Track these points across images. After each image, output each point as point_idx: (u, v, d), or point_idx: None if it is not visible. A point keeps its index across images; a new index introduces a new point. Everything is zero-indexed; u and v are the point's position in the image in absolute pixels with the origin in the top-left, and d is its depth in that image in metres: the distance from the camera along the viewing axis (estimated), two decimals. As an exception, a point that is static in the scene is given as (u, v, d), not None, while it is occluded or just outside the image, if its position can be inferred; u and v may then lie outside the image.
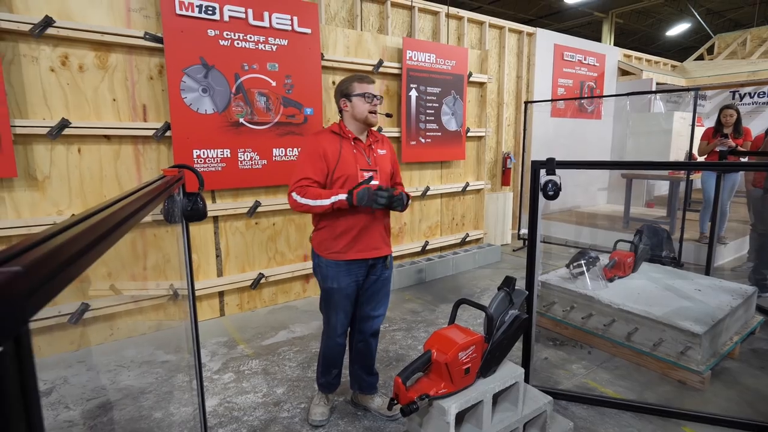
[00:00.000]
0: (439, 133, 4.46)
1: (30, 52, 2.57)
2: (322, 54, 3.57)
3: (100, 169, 2.85)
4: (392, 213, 2.11)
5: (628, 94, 5.67)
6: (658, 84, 6.86)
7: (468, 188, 4.87)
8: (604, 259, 3.30)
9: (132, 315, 3.02)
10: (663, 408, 2.20)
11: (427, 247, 4.57)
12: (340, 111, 1.99)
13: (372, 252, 1.97)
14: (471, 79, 4.68)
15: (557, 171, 2.06)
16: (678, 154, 5.60)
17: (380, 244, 2.00)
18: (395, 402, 1.70)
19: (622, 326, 2.74)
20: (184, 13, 2.91)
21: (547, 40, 6.09)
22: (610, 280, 3.16)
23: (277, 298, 3.68)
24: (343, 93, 1.95)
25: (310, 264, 3.72)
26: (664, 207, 6.13)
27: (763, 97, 7.67)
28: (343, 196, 1.82)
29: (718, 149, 4.30)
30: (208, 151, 3.13)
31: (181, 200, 1.47)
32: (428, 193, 4.52)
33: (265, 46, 3.27)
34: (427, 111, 4.34)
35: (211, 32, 3.04)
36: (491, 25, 5.54)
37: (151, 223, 2.99)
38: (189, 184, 1.50)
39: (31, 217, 2.67)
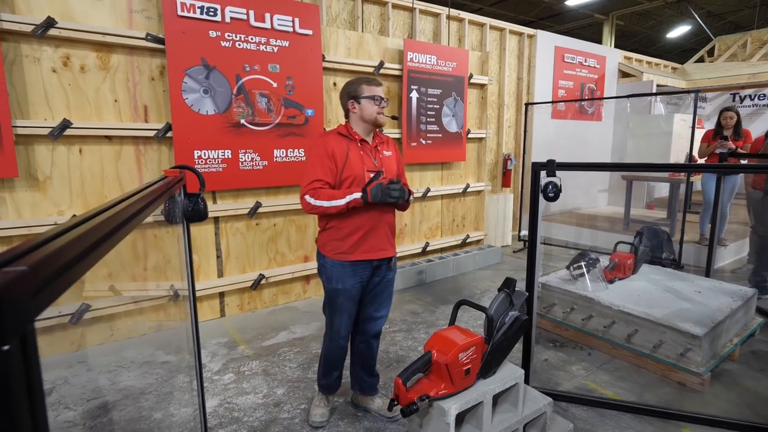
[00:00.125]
0: (440, 135, 4.47)
1: (32, 53, 2.58)
2: (323, 55, 3.57)
3: (101, 170, 2.86)
4: (396, 213, 2.12)
5: (628, 96, 5.67)
6: (658, 86, 6.87)
7: (468, 189, 4.87)
8: (605, 261, 3.30)
9: (132, 315, 3.02)
10: (663, 410, 2.20)
11: (428, 249, 4.57)
12: (347, 113, 1.99)
13: (378, 253, 1.98)
14: (472, 80, 4.69)
15: (557, 172, 2.06)
16: (678, 156, 5.61)
17: (386, 246, 2.00)
18: (395, 403, 1.70)
19: (622, 328, 2.74)
20: (185, 14, 2.92)
21: (547, 41, 6.10)
22: (611, 281, 3.16)
23: (277, 299, 3.68)
24: (351, 95, 1.96)
25: (310, 265, 3.76)
26: (665, 209, 6.14)
27: (764, 99, 7.68)
28: (357, 195, 1.82)
29: (718, 151, 4.30)
30: (209, 151, 3.14)
31: (182, 201, 1.47)
32: (429, 194, 4.52)
33: (266, 48, 3.28)
34: (428, 112, 4.35)
35: (212, 33, 3.04)
36: (492, 27, 5.55)
37: (151, 223, 3.00)
38: (190, 184, 1.51)
39: (32, 218, 2.67)
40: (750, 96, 7.83)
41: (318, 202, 1.85)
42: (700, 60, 9.03)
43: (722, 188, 3.73)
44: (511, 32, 5.76)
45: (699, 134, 4.85)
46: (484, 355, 1.76)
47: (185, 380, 2.53)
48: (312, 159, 1.92)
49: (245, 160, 3.29)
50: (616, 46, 11.64)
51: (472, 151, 4.93)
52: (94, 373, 2.58)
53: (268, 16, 3.25)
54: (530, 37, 5.98)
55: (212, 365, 2.68)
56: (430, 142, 4.41)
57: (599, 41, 12.47)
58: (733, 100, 8.00)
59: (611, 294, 2.95)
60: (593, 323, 2.89)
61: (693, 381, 2.42)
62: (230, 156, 3.22)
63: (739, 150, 4.33)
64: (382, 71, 3.98)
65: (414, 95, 4.22)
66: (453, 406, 1.65)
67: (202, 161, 3.11)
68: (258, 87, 3.28)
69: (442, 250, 4.79)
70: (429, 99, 4.33)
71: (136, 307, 3.02)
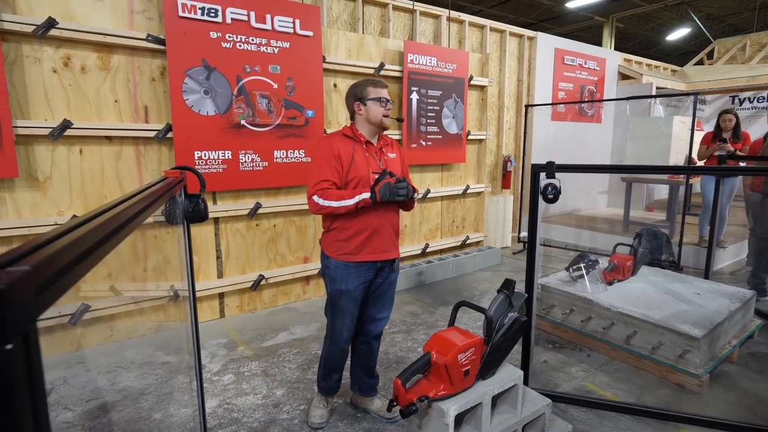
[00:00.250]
0: (440, 136, 4.48)
1: (33, 53, 2.59)
2: (323, 56, 3.58)
3: (102, 170, 2.86)
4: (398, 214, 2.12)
5: (628, 98, 5.68)
6: (658, 88, 6.88)
7: (468, 191, 4.88)
8: (604, 263, 3.31)
9: (132, 316, 3.02)
10: (661, 411, 2.20)
11: (428, 250, 4.58)
12: (353, 114, 2.00)
13: (382, 254, 1.98)
14: (472, 82, 4.70)
15: (557, 174, 2.07)
16: (678, 159, 5.62)
17: (390, 247, 2.01)
18: (395, 404, 1.70)
19: (621, 329, 2.74)
20: (186, 15, 2.92)
21: (547, 44, 6.11)
22: (610, 283, 3.17)
23: (277, 300, 3.68)
24: (357, 97, 1.97)
25: (310, 266, 3.76)
26: (664, 211, 6.14)
27: (762, 101, 7.69)
28: (366, 195, 1.83)
29: (717, 154, 4.31)
30: (210, 152, 3.14)
31: (183, 201, 1.47)
32: (429, 195, 4.53)
33: (266, 49, 3.28)
34: (428, 114, 4.36)
35: (213, 34, 3.05)
36: (492, 29, 5.56)
37: (152, 224, 3.00)
38: (190, 185, 1.51)
39: (32, 218, 2.67)
40: (749, 98, 7.85)
41: (326, 203, 1.85)
42: (700, 62, 9.05)
43: (721, 190, 3.74)
44: (512, 34, 5.77)
45: (698, 136, 4.87)
46: (483, 356, 1.76)
47: (185, 381, 2.53)
48: (318, 160, 1.92)
49: (245, 161, 3.30)
50: (615, 49, 11.67)
51: (472, 153, 4.94)
52: (93, 374, 2.58)
53: (268, 17, 3.26)
54: (530, 39, 5.99)
55: (212, 366, 2.68)
56: (430, 143, 4.41)
57: (599, 43, 12.49)
58: (732, 103, 8.02)
59: (610, 296, 2.95)
60: (592, 325, 2.90)
61: (692, 382, 2.42)
62: (230, 157, 3.23)
63: (738, 152, 4.34)
64: (382, 73, 3.99)
65: (414, 97, 4.23)
66: (452, 407, 1.65)
67: (202, 162, 3.11)
68: (258, 88, 3.29)
69: (441, 251, 4.79)
70: (429, 100, 4.34)
71: (136, 307, 3.02)
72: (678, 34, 14.22)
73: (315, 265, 3.77)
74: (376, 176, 1.91)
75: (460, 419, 1.75)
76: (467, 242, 4.96)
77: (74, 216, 2.75)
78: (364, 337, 2.15)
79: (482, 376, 1.80)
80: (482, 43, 5.49)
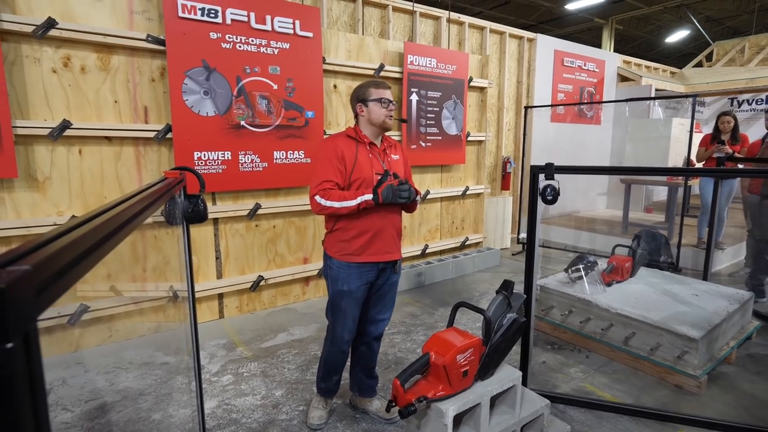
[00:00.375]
0: (440, 137, 4.48)
1: (32, 53, 2.59)
2: (323, 58, 3.59)
3: (101, 171, 2.86)
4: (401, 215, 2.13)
5: (627, 100, 5.69)
6: (657, 90, 6.90)
7: (468, 192, 4.88)
8: (603, 264, 3.31)
9: (131, 316, 3.02)
10: (660, 412, 2.21)
11: (427, 251, 4.58)
12: (356, 116, 2.01)
13: (384, 256, 1.98)
14: (471, 83, 4.70)
15: (556, 176, 2.08)
16: (676, 160, 5.63)
17: (393, 248, 2.01)
18: (393, 404, 1.70)
19: (619, 330, 2.75)
20: (186, 15, 2.93)
21: (547, 45, 6.12)
22: (608, 284, 3.17)
23: (276, 301, 3.68)
24: (359, 98, 1.97)
25: (309, 267, 3.76)
26: (663, 212, 6.15)
27: (761, 104, 7.72)
28: (369, 197, 1.83)
29: (715, 155, 4.32)
30: (209, 153, 3.14)
31: (182, 202, 1.48)
32: (428, 196, 4.53)
33: (266, 50, 3.29)
34: (428, 115, 4.37)
35: (213, 35, 3.05)
36: (492, 31, 5.57)
37: (151, 224, 3.00)
38: (190, 186, 1.51)
39: (31, 218, 2.67)
40: (748, 101, 7.87)
41: (328, 203, 1.85)
42: (699, 65, 9.07)
43: (719, 192, 3.75)
44: (511, 36, 5.78)
45: (697, 138, 4.87)
46: (482, 357, 1.77)
47: (184, 381, 2.53)
48: (321, 160, 1.92)
49: (245, 162, 3.30)
50: (615, 51, 11.70)
51: (471, 154, 4.95)
52: (92, 374, 2.58)
53: (268, 18, 3.26)
54: (530, 40, 6.00)
55: (211, 366, 2.68)
56: (429, 144, 4.42)
57: (599, 45, 12.52)
58: (731, 105, 8.04)
59: (609, 297, 2.95)
60: (591, 326, 2.90)
61: (690, 383, 2.43)
62: (230, 157, 3.23)
63: (737, 154, 4.35)
64: (382, 74, 4.00)
65: (414, 98, 4.24)
66: (451, 408, 1.66)
67: (201, 162, 3.12)
68: (258, 89, 3.29)
69: (441, 252, 4.79)
70: (429, 102, 4.35)
71: (135, 308, 3.02)
72: (677, 36, 14.25)
73: (314, 266, 3.78)
74: (379, 176, 1.91)
75: (458, 420, 1.76)
76: (466, 243, 4.97)
77: (73, 216, 2.75)
78: (365, 338, 2.14)
79: (481, 376, 1.80)
80: (482, 45, 5.50)
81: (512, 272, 4.68)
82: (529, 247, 2.26)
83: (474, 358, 1.73)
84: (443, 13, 5.04)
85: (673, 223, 5.23)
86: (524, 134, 5.57)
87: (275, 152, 3.43)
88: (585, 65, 6.59)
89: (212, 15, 3.03)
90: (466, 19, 5.27)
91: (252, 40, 3.21)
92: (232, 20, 3.11)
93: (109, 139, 2.86)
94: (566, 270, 3.31)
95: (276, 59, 3.34)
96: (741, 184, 4.09)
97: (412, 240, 4.56)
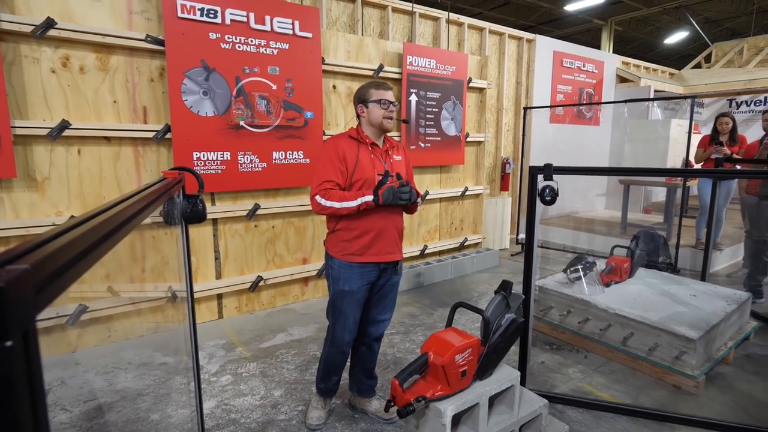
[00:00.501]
0: (439, 138, 4.49)
1: (31, 53, 2.59)
2: (322, 58, 3.59)
3: (100, 171, 2.86)
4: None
5: (626, 101, 5.71)
6: (655, 91, 6.91)
7: (467, 193, 4.89)
8: (601, 265, 3.32)
9: (130, 317, 3.02)
10: (658, 412, 2.21)
11: (426, 251, 4.58)
12: (358, 117, 2.01)
13: (386, 256, 1.98)
14: (471, 84, 4.71)
15: (555, 176, 2.08)
16: (675, 161, 5.64)
17: (394, 249, 2.01)
18: (392, 404, 1.71)
19: (618, 331, 2.75)
20: (185, 16, 2.93)
21: (546, 46, 6.13)
22: (607, 285, 3.18)
23: (275, 301, 3.68)
24: (360, 99, 1.98)
25: (308, 267, 3.76)
26: (661, 213, 6.16)
27: (759, 105, 7.73)
28: (369, 198, 1.83)
29: (713, 156, 4.33)
30: (208, 153, 3.15)
31: (181, 202, 1.48)
32: (427, 197, 4.54)
33: (266, 50, 3.29)
34: (427, 116, 4.37)
35: (212, 35, 3.06)
36: (491, 32, 5.58)
37: (150, 224, 3.00)
38: (189, 186, 1.52)
39: (29, 218, 2.67)
40: (746, 102, 7.89)
41: (329, 203, 1.86)
42: (698, 66, 9.09)
43: (718, 193, 3.76)
44: (511, 37, 5.79)
45: (695, 139, 4.88)
46: (480, 357, 1.77)
47: (183, 382, 2.53)
48: (323, 160, 1.93)
49: (244, 162, 3.30)
50: (614, 52, 11.71)
51: (470, 155, 4.95)
52: (91, 375, 2.57)
53: (268, 18, 3.26)
54: (529, 41, 6.01)
55: (210, 367, 2.68)
56: (428, 145, 4.42)
57: (598, 46, 12.54)
58: (730, 106, 8.06)
59: (607, 297, 2.96)
60: (589, 326, 2.90)
61: (688, 384, 2.43)
62: (229, 158, 3.23)
63: (735, 155, 4.36)
64: (381, 74, 4.00)
65: (413, 99, 4.24)
66: (449, 408, 1.66)
67: (201, 163, 3.12)
68: (257, 89, 3.29)
69: (440, 252, 4.80)
70: (428, 102, 4.35)
71: (134, 308, 3.02)
72: (676, 37, 14.28)
73: (314, 267, 3.78)
74: (380, 177, 1.92)
75: (457, 419, 1.76)
76: (466, 244, 4.97)
77: (72, 217, 2.74)
78: (365, 338, 2.15)
79: (479, 376, 1.80)
80: (481, 46, 5.50)
81: (511, 273, 4.68)
82: (527, 247, 2.26)
83: (472, 358, 1.74)
84: (442, 14, 5.04)
85: (672, 223, 5.25)
86: (523, 135, 5.58)
87: (274, 152, 3.43)
88: (584, 66, 6.60)
89: (211, 15, 3.03)
90: (466, 20, 5.28)
91: (251, 41, 3.22)
92: (232, 20, 3.12)
93: (108, 139, 2.86)
94: (565, 270, 3.32)
95: (275, 60, 3.34)
96: (738, 185, 4.10)
97: (411, 240, 4.56)
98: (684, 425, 2.15)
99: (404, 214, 2.10)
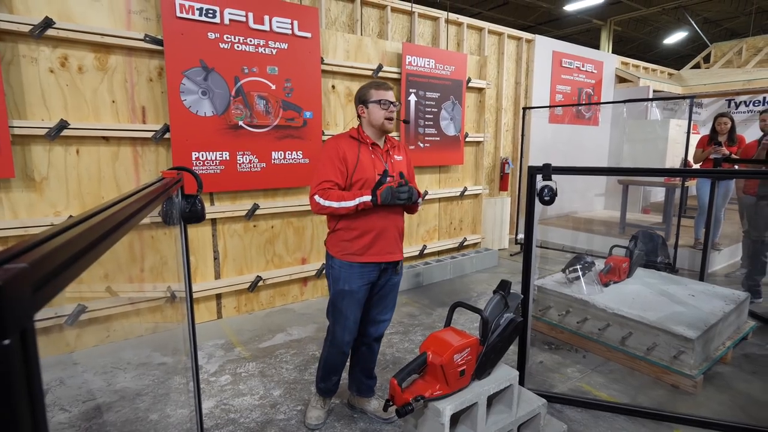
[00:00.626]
0: (438, 138, 4.49)
1: (29, 53, 2.58)
2: (321, 58, 3.59)
3: (99, 171, 2.86)
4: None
5: (625, 101, 5.71)
6: (654, 92, 6.92)
7: (466, 193, 4.89)
8: (600, 264, 3.32)
9: (129, 317, 3.02)
10: (656, 411, 2.22)
11: (425, 251, 4.59)
12: (359, 117, 2.01)
13: (386, 256, 1.98)
14: (470, 84, 4.71)
15: (554, 176, 2.08)
16: (674, 161, 5.65)
17: (395, 249, 2.01)
18: (391, 404, 1.71)
19: (616, 331, 2.76)
20: (184, 15, 2.93)
21: (545, 46, 6.14)
22: (606, 285, 3.18)
23: (274, 301, 3.68)
24: (360, 99, 1.98)
25: (307, 267, 3.76)
26: (660, 213, 6.17)
27: (758, 105, 7.74)
28: (367, 198, 1.83)
29: (712, 157, 4.34)
30: (207, 153, 3.14)
31: (180, 202, 1.48)
32: (426, 197, 4.54)
33: (265, 50, 3.29)
34: (426, 116, 4.37)
35: (211, 35, 3.06)
36: (490, 32, 5.58)
37: (148, 224, 3.00)
38: (187, 186, 1.52)
39: (28, 218, 2.67)
40: (745, 102, 7.90)
41: (327, 203, 1.86)
42: (696, 66, 9.10)
43: (716, 193, 3.76)
44: (510, 37, 5.79)
45: (694, 140, 4.89)
46: (479, 357, 1.77)
47: (182, 382, 2.52)
48: (323, 160, 1.93)
49: (243, 162, 3.30)
50: (613, 52, 11.72)
51: (469, 155, 4.96)
52: (89, 375, 2.57)
53: (267, 18, 3.26)
54: (528, 41, 6.01)
55: (209, 367, 2.68)
56: (428, 145, 4.42)
57: (597, 47, 12.55)
58: (728, 106, 8.07)
59: (606, 297, 2.96)
60: (588, 326, 2.91)
61: (686, 383, 2.44)
62: (228, 158, 3.23)
63: (733, 155, 4.37)
64: (380, 74, 4.00)
65: (412, 99, 4.24)
66: (448, 407, 1.66)
67: (199, 163, 3.12)
68: (256, 89, 3.29)
69: (439, 252, 4.80)
70: (427, 102, 4.36)
71: (132, 308, 3.02)
72: (675, 37, 14.30)
73: (313, 267, 3.78)
74: (379, 176, 1.92)
75: (455, 419, 1.76)
76: (465, 244, 4.97)
77: (70, 217, 2.74)
78: (365, 339, 2.15)
79: (478, 376, 1.80)
80: (480, 46, 5.51)
81: (510, 273, 4.69)
82: (526, 247, 2.27)
83: (471, 357, 1.74)
84: (442, 14, 5.05)
85: (670, 223, 5.25)
86: (522, 135, 5.59)
87: (273, 152, 3.43)
88: (583, 66, 6.61)
89: (210, 15, 3.03)
90: (465, 20, 5.28)
91: (250, 41, 3.22)
92: (230, 20, 3.12)
93: (106, 139, 2.86)
94: (564, 270, 3.32)
95: (274, 59, 3.34)
96: (736, 185, 4.11)
97: (411, 240, 4.56)
98: (682, 425, 2.16)
99: (405, 213, 2.10)
